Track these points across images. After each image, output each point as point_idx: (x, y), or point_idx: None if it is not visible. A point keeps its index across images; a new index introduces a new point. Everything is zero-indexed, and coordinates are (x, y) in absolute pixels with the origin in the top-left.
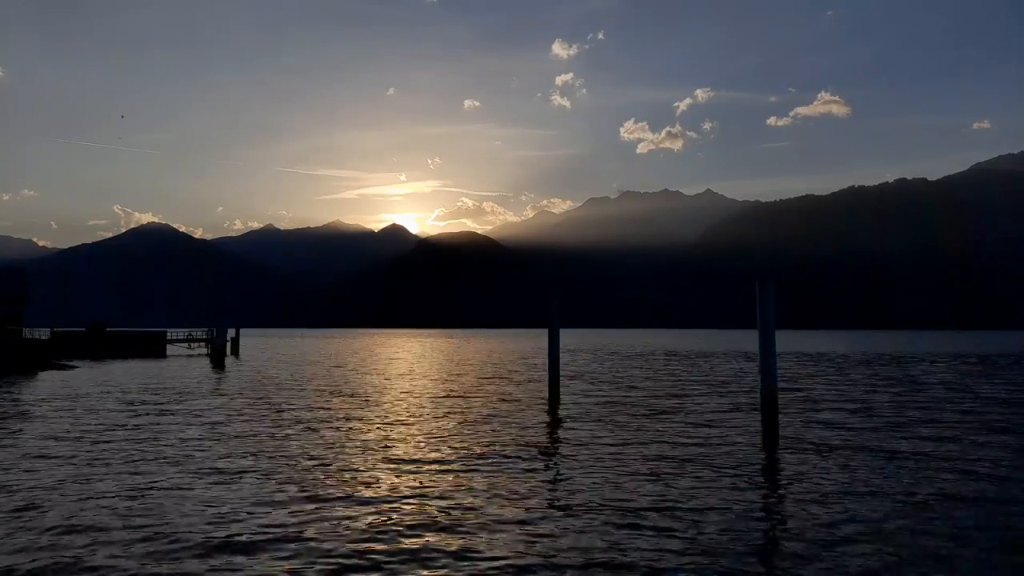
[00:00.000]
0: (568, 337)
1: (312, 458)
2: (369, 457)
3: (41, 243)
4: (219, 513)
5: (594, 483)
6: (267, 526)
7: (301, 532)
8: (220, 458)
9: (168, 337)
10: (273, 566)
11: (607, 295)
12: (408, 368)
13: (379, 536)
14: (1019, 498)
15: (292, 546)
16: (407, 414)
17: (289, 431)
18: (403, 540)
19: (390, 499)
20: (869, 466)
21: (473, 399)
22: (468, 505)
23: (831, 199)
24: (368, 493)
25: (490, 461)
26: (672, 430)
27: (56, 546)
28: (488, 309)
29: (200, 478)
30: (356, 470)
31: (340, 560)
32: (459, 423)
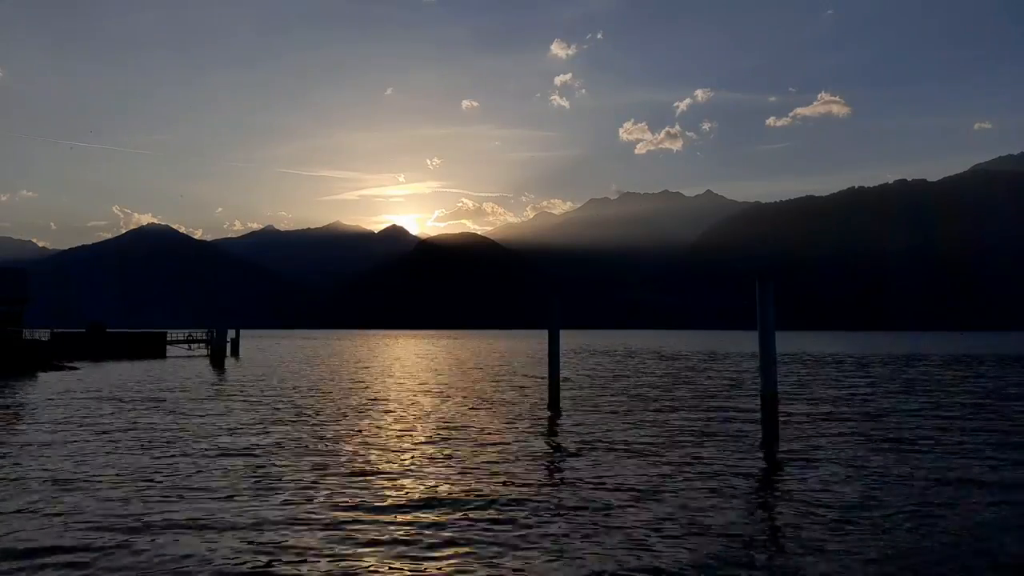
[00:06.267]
0: (568, 338)
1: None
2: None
3: (41, 244)
4: (216, 533)
5: (589, 489)
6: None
7: None
8: (210, 471)
9: (168, 338)
10: None
11: (607, 296)
12: (404, 373)
13: None
14: (1020, 502)
15: None
16: (391, 433)
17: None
18: None
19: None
20: (870, 470)
21: (469, 409)
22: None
23: (831, 200)
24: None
25: (479, 507)
26: (672, 431)
27: (58, 549)
28: (488, 310)
29: (189, 489)
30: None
31: None
32: (447, 446)
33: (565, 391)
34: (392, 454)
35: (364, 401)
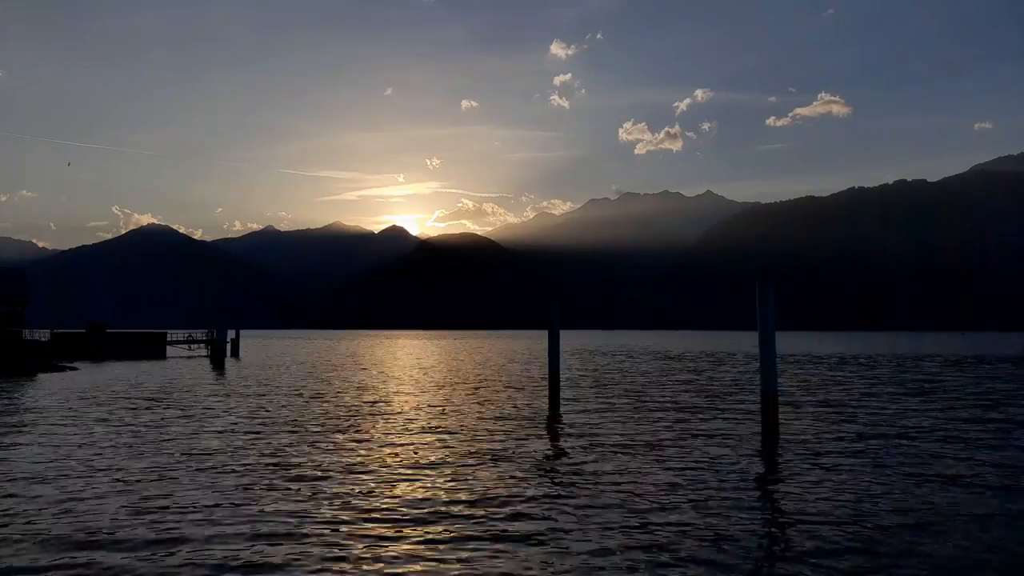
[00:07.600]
0: (568, 339)
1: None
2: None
3: (41, 244)
4: (216, 529)
5: (591, 475)
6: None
7: None
8: (213, 467)
9: (168, 338)
10: None
11: (607, 296)
12: (403, 374)
13: None
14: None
15: None
16: (389, 436)
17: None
18: None
19: None
20: (870, 471)
21: (468, 411)
22: None
23: (831, 200)
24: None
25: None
26: (671, 433)
27: (55, 549)
28: (488, 310)
29: (189, 483)
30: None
31: None
32: (444, 449)
33: (565, 391)
34: (388, 458)
35: (362, 403)
